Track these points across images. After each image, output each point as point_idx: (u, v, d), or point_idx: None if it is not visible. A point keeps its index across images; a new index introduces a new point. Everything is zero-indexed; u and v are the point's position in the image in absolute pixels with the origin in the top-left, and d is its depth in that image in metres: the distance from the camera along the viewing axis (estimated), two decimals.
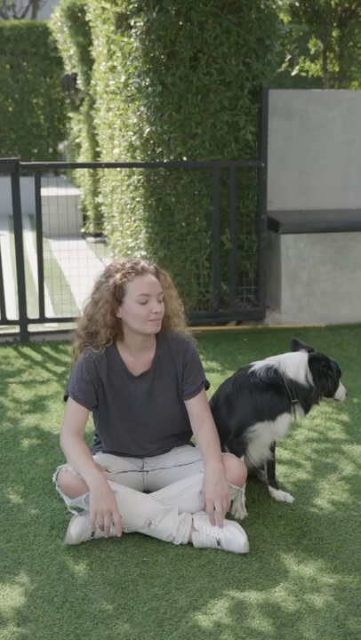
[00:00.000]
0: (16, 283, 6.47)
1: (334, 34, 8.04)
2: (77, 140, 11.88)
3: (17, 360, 6.03)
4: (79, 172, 11.64)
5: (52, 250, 10.33)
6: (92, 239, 11.06)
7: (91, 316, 3.62)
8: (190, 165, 6.44)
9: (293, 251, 6.84)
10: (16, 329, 6.51)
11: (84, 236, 11.40)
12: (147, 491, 3.79)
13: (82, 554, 3.48)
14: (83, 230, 11.42)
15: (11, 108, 14.54)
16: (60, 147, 14.67)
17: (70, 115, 12.63)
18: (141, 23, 6.35)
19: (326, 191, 7.51)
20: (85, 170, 10.92)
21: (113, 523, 3.38)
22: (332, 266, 6.91)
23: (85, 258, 8.08)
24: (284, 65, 8.51)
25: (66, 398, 3.71)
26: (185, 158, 6.46)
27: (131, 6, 6.54)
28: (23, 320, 6.46)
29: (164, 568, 3.37)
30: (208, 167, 6.44)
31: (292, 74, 8.18)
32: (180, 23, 6.23)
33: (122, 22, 6.96)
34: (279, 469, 4.24)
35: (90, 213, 11.07)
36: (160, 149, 6.51)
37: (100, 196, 9.39)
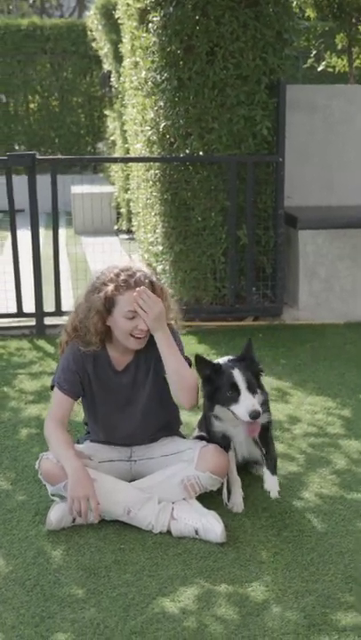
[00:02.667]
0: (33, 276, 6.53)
1: None
2: (112, 138, 11.95)
3: (30, 352, 6.09)
4: (114, 168, 11.70)
5: (84, 246, 10.43)
6: (124, 236, 11.11)
7: (81, 320, 3.64)
8: (207, 160, 6.44)
9: (312, 247, 6.79)
10: (32, 321, 6.58)
11: (117, 233, 11.45)
12: (134, 480, 3.80)
13: (61, 539, 3.51)
14: (116, 227, 11.47)
15: (55, 107, 14.66)
16: (99, 145, 14.76)
17: (107, 112, 12.71)
18: (158, 18, 6.36)
19: (349, 187, 7.44)
20: (119, 167, 10.96)
21: (91, 509, 3.41)
22: (350, 262, 6.85)
23: (112, 252, 8.16)
24: (309, 60, 8.46)
25: (52, 388, 3.75)
26: (201, 153, 6.46)
27: (149, 1, 6.56)
28: (39, 313, 6.53)
29: (139, 555, 3.39)
30: (225, 162, 6.43)
31: (319, 69, 8.13)
32: (197, 17, 6.24)
33: (143, 18, 6.99)
34: None
35: (123, 210, 11.12)
36: (176, 144, 6.51)
37: (129, 192, 9.43)
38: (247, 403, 3.51)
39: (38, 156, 6.49)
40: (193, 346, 6.21)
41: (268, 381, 5.37)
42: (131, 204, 9.25)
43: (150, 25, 6.53)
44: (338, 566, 3.30)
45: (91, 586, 3.18)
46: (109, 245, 8.69)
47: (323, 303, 6.90)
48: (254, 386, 3.61)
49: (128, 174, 9.56)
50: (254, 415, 3.49)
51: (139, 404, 3.76)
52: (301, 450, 4.41)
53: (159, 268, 7.44)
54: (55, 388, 3.70)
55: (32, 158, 6.34)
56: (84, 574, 3.25)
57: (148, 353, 3.66)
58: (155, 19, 6.42)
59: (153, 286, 3.62)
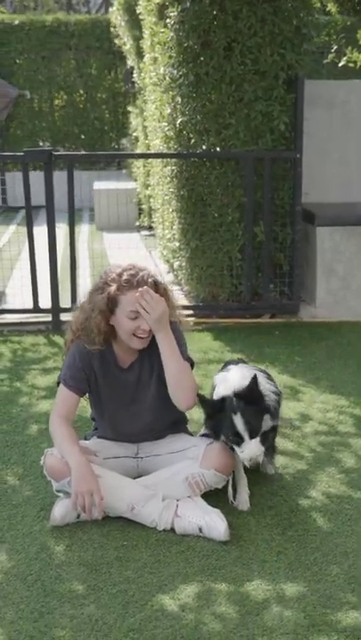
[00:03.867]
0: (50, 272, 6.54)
1: None
2: (135, 134, 11.94)
3: (45, 348, 6.10)
4: (136, 165, 11.70)
5: (105, 242, 10.44)
6: (145, 232, 11.10)
7: (85, 319, 3.64)
8: (223, 156, 6.41)
9: (329, 243, 6.74)
10: (49, 317, 6.59)
11: (138, 229, 11.45)
12: (140, 477, 3.78)
13: (64, 535, 3.51)
14: (137, 223, 11.47)
15: (79, 103, 14.68)
16: (123, 141, 14.75)
17: (129, 109, 12.71)
18: (176, 13, 6.34)
19: None
20: (140, 163, 10.96)
21: (95, 504, 3.41)
22: None
23: (135, 248, 8.16)
24: (330, 56, 8.37)
25: (59, 384, 3.74)
26: (218, 149, 6.43)
27: None
28: (55, 309, 6.54)
29: (141, 552, 3.38)
30: (241, 158, 6.39)
31: (340, 65, 8.04)
32: (215, 12, 6.20)
33: (162, 13, 6.97)
34: (280, 460, 4.20)
35: (144, 207, 11.11)
36: (193, 140, 6.49)
37: (149, 188, 9.43)
38: (247, 453, 3.47)
39: (55, 153, 6.47)
40: (208, 343, 6.19)
41: (282, 379, 5.36)
42: (151, 200, 9.25)
43: (168, 20, 6.51)
44: (341, 566, 3.26)
45: (91, 582, 3.17)
46: (130, 242, 8.69)
47: (340, 301, 6.85)
48: (257, 429, 3.52)
49: (149, 170, 9.55)
50: (253, 464, 3.50)
51: (145, 402, 3.75)
52: (311, 448, 4.37)
53: (176, 264, 7.44)
54: (61, 385, 3.70)
55: (49, 154, 6.34)
56: (86, 570, 3.25)
57: (152, 352, 3.64)
58: (172, 14, 6.40)
59: (156, 286, 3.60)
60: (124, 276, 3.53)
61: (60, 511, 3.56)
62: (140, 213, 11.51)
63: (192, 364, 3.72)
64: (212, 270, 6.65)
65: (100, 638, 2.84)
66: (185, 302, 7.07)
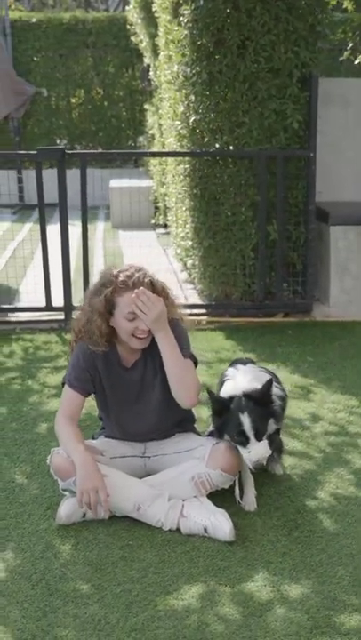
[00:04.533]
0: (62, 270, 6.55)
1: None
2: (151, 132, 11.94)
3: (57, 346, 6.11)
4: (152, 162, 11.69)
5: (120, 240, 10.45)
6: (161, 230, 11.10)
7: (87, 320, 3.64)
8: (236, 154, 6.39)
9: (343, 242, 6.71)
10: (61, 315, 6.60)
11: (154, 227, 11.44)
12: (149, 476, 3.78)
13: (70, 534, 3.52)
14: (153, 221, 11.47)
15: (96, 101, 14.69)
16: (140, 139, 14.75)
17: (146, 106, 12.71)
18: (189, 11, 6.33)
19: None
20: (156, 161, 10.95)
21: (100, 502, 3.41)
22: None
23: (150, 247, 8.16)
24: (346, 54, 8.35)
25: (64, 385, 3.75)
26: (231, 147, 6.41)
27: None
28: (68, 307, 6.55)
29: (147, 552, 3.38)
30: (255, 156, 6.37)
31: (356, 62, 8.00)
32: (228, 10, 6.18)
33: (176, 11, 6.96)
34: (288, 460, 4.18)
35: (160, 204, 11.10)
36: (207, 138, 6.47)
37: (164, 186, 9.42)
38: (252, 454, 3.46)
39: (68, 151, 6.48)
40: (220, 342, 6.18)
41: (293, 379, 5.35)
42: (166, 198, 9.24)
43: (181, 18, 6.50)
44: (347, 568, 3.25)
45: (96, 581, 3.17)
46: (145, 240, 8.69)
47: (354, 300, 6.81)
48: (263, 431, 3.52)
49: (164, 168, 9.55)
50: (257, 466, 3.49)
51: (150, 401, 3.75)
52: (320, 449, 4.35)
53: (189, 262, 7.44)
54: (66, 385, 3.71)
55: (61, 152, 6.35)
56: (90, 570, 3.25)
57: (156, 351, 3.64)
58: (186, 12, 6.38)
59: (153, 286, 3.59)
60: (120, 278, 3.53)
61: (66, 510, 3.57)
62: (155, 211, 11.51)
63: (195, 362, 3.71)
64: (224, 269, 6.64)
65: (103, 638, 2.84)
66: (198, 301, 7.07)
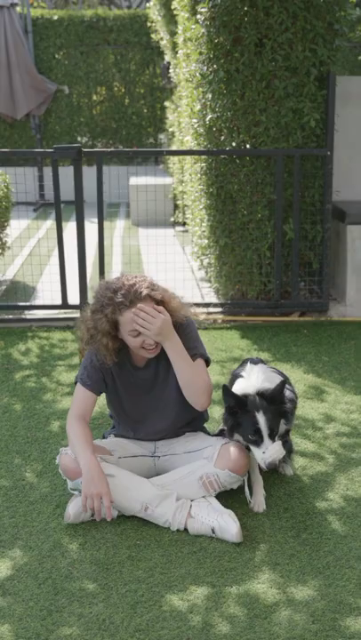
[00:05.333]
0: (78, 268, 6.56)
1: None
2: (171, 129, 11.92)
3: (72, 344, 6.12)
4: (172, 160, 11.68)
5: (140, 237, 10.44)
6: (180, 228, 11.08)
7: (91, 336, 3.62)
8: (253, 153, 6.36)
9: (360, 241, 6.66)
10: (77, 313, 6.60)
11: (173, 225, 11.43)
12: (159, 475, 3.78)
13: (78, 533, 3.53)
14: (172, 219, 11.46)
15: (117, 98, 14.69)
16: (161, 136, 14.74)
17: (166, 104, 12.69)
18: (206, 9, 6.31)
19: None
20: (176, 159, 10.94)
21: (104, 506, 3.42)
22: None
23: (168, 245, 8.14)
24: None
25: (76, 383, 3.76)
26: (248, 146, 6.39)
27: None
28: (83, 305, 6.53)
29: (154, 552, 3.38)
30: (272, 155, 6.35)
31: None
32: (245, 8, 6.15)
33: (194, 9, 6.94)
34: (300, 461, 4.17)
35: (180, 202, 11.09)
36: (223, 137, 6.46)
37: (183, 184, 9.41)
38: (267, 454, 3.45)
39: (84, 149, 6.49)
40: (235, 341, 6.17)
41: (307, 379, 5.33)
42: (184, 196, 9.23)
43: (199, 16, 6.48)
44: (354, 571, 3.23)
45: (102, 581, 3.18)
46: (165, 238, 8.66)
47: None
48: (276, 431, 3.53)
49: (183, 166, 9.54)
50: (271, 467, 3.47)
51: (162, 400, 3.75)
52: (332, 450, 4.33)
53: (205, 261, 7.42)
54: (78, 384, 3.72)
55: (78, 151, 6.35)
56: (97, 569, 3.25)
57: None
58: (203, 10, 6.36)
59: (151, 297, 3.56)
60: (118, 298, 3.50)
61: (75, 509, 3.58)
62: (175, 209, 11.49)
63: (207, 361, 3.70)
64: (241, 268, 6.62)
65: (107, 638, 2.85)
66: (214, 300, 7.06)
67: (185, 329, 3.65)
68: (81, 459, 3.48)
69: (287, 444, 3.97)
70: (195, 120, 6.85)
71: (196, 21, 6.69)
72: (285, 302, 6.67)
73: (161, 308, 3.54)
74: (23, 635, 2.87)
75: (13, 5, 13.53)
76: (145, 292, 3.53)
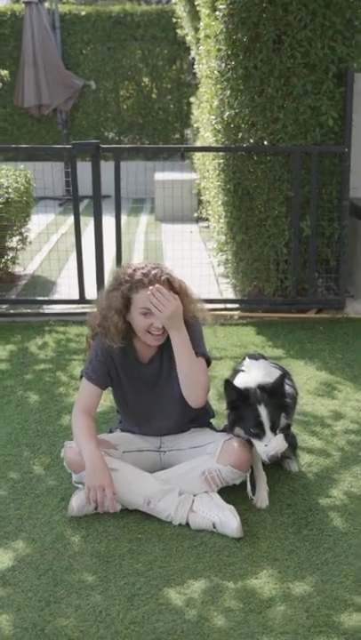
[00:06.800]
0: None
1: None
2: (196, 125, 11.93)
3: None
4: (196, 156, 11.70)
5: (162, 233, 10.48)
6: (203, 224, 11.10)
7: (104, 317, 3.68)
8: (271, 150, 6.37)
9: None
10: (94, 308, 6.64)
11: (197, 220, 11.45)
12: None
13: (81, 526, 3.57)
14: (195, 215, 11.47)
15: (144, 94, 14.72)
16: (187, 132, 14.76)
17: (192, 100, 12.71)
18: (225, 5, 6.32)
19: None
20: (200, 154, 10.95)
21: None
22: None
23: (191, 240, 8.16)
24: None
25: (81, 378, 3.80)
26: (266, 143, 6.39)
27: None
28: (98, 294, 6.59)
29: (154, 546, 3.42)
30: (289, 152, 6.35)
31: None
32: (264, 5, 6.15)
33: (214, 5, 6.95)
34: (305, 458, 4.18)
35: (203, 198, 11.10)
36: (241, 133, 6.47)
37: (205, 180, 9.43)
38: (269, 447, 3.49)
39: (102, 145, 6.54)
40: (250, 337, 6.18)
41: (319, 376, 5.35)
42: (206, 192, 9.26)
43: (218, 12, 6.49)
44: (352, 568, 3.25)
45: (101, 573, 3.22)
46: (187, 233, 8.70)
47: None
48: (278, 425, 3.56)
49: (205, 162, 9.55)
50: (273, 459, 3.51)
51: (166, 396, 3.78)
52: (339, 447, 4.34)
53: (222, 257, 7.44)
54: (83, 378, 3.76)
55: (96, 147, 6.40)
56: (97, 561, 3.30)
57: (172, 347, 3.67)
58: (222, 6, 6.37)
59: (170, 283, 3.62)
60: (137, 275, 3.57)
61: (78, 502, 3.63)
62: (199, 204, 11.51)
63: (208, 362, 3.73)
64: (258, 264, 6.63)
65: (103, 629, 2.89)
66: (232, 296, 7.08)
67: (191, 326, 3.69)
68: (84, 451, 3.53)
69: (291, 439, 4.00)
70: (213, 116, 6.87)
71: (216, 18, 6.70)
72: (302, 299, 6.67)
73: (176, 295, 3.58)
74: (20, 625, 2.92)
75: (42, 1, 13.62)
76: (164, 276, 3.60)
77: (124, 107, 14.85)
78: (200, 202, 11.43)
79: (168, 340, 3.69)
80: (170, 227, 10.59)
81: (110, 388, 3.92)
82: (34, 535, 3.51)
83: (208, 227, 10.33)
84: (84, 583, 3.16)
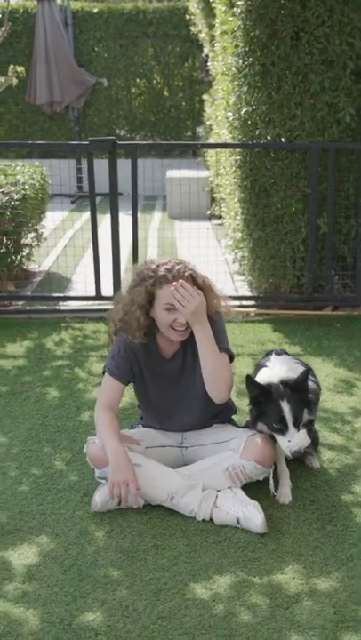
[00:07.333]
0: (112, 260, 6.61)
1: None
2: (209, 123, 11.93)
3: (105, 335, 6.11)
4: (210, 153, 11.69)
5: (176, 230, 10.48)
6: (216, 221, 11.09)
7: (126, 312, 3.69)
8: (288, 147, 6.36)
9: None
10: (110, 305, 6.64)
11: (210, 217, 11.45)
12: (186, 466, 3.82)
13: (105, 521, 3.57)
14: (208, 212, 11.47)
15: (156, 91, 14.72)
16: (199, 129, 14.75)
17: (204, 97, 12.70)
18: (243, 2, 6.30)
19: None
20: (213, 151, 10.95)
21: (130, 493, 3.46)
22: None
23: (205, 238, 8.16)
24: None
25: (104, 373, 3.80)
26: (283, 139, 6.38)
27: None
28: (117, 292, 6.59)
29: (178, 541, 3.42)
30: (306, 149, 6.34)
31: None
32: (282, 1, 6.14)
33: (231, 2, 6.94)
34: (327, 454, 4.18)
35: (217, 195, 11.10)
36: (258, 130, 6.46)
37: (219, 177, 9.43)
38: (292, 442, 3.49)
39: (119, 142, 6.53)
40: (267, 334, 6.18)
41: (338, 372, 5.33)
42: (220, 189, 9.25)
43: (235, 9, 6.48)
44: None
45: (126, 568, 3.22)
46: (200, 231, 8.69)
47: None
48: (300, 420, 3.56)
49: (219, 159, 9.54)
50: (296, 456, 3.51)
51: (188, 393, 3.78)
52: (360, 443, 4.33)
53: (239, 254, 7.44)
54: (106, 374, 3.76)
55: (113, 143, 6.40)
56: (122, 557, 3.30)
57: (195, 342, 3.67)
58: (240, 2, 6.36)
59: (194, 279, 3.62)
60: (161, 271, 3.57)
61: (101, 498, 3.63)
62: (212, 202, 11.50)
63: (231, 357, 3.73)
64: (274, 261, 6.62)
65: (130, 624, 2.89)
66: (247, 293, 7.07)
67: (215, 322, 3.68)
68: (108, 447, 3.53)
69: (313, 436, 3.99)
70: (230, 113, 6.86)
71: (233, 14, 6.69)
72: (318, 296, 6.66)
73: (200, 291, 3.58)
74: (47, 619, 2.92)
75: None
76: (188, 272, 3.60)
77: (136, 104, 14.85)
78: (213, 199, 11.43)
79: (191, 335, 3.69)
80: (184, 224, 10.58)
81: (131, 385, 3.92)
82: (57, 530, 3.51)
83: (222, 224, 10.33)
84: (109, 578, 3.16)
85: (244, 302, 6.74)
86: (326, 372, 5.33)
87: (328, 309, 6.75)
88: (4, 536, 3.46)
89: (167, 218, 11.58)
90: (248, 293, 7.06)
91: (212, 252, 8.26)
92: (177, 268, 3.59)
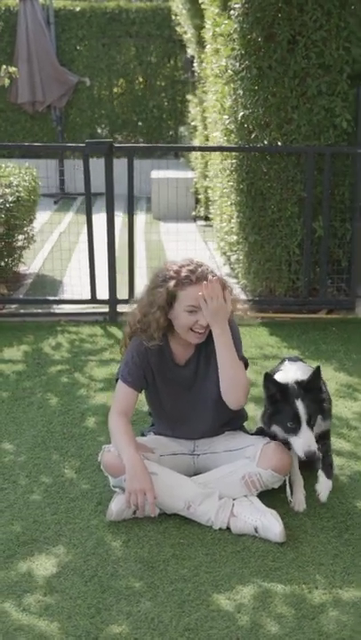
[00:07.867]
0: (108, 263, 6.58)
1: None
2: (193, 123, 11.91)
3: (102, 339, 6.14)
4: (194, 154, 11.68)
5: (161, 232, 10.45)
6: (201, 222, 11.09)
7: (145, 314, 3.66)
8: (284, 150, 6.36)
9: None
10: (106, 308, 6.63)
11: (194, 219, 11.43)
12: (197, 474, 3.80)
13: (121, 530, 3.54)
14: (193, 213, 11.46)
15: (138, 91, 14.69)
16: (181, 129, 14.74)
17: (189, 97, 12.68)
18: (240, 5, 6.29)
19: None
20: (198, 153, 10.93)
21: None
22: None
23: (192, 241, 8.14)
24: None
25: (117, 380, 3.78)
26: (279, 143, 6.38)
27: None
28: (112, 300, 6.57)
29: (197, 551, 3.40)
30: (302, 152, 6.34)
31: None
32: (279, 5, 6.13)
33: (225, 4, 6.93)
34: (336, 461, 4.17)
35: (201, 197, 11.09)
36: (254, 134, 6.45)
37: (207, 179, 9.41)
38: (305, 441, 3.49)
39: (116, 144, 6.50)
40: (264, 338, 6.17)
41: (338, 377, 5.33)
42: (209, 191, 9.23)
43: (232, 12, 6.47)
44: None
45: (148, 579, 3.20)
46: (187, 234, 8.67)
47: None
48: (314, 420, 3.57)
49: (207, 161, 9.53)
50: (309, 455, 3.49)
51: (201, 399, 3.77)
52: None
53: (233, 257, 7.43)
54: (119, 381, 3.73)
55: (109, 146, 6.37)
56: (142, 567, 3.27)
57: (209, 349, 3.66)
58: (236, 5, 6.35)
59: (222, 283, 3.62)
60: (183, 272, 3.56)
61: (117, 506, 3.59)
62: (196, 203, 11.49)
63: (246, 364, 3.72)
64: (269, 265, 6.62)
65: (157, 637, 2.87)
66: (242, 296, 7.06)
67: (231, 328, 3.67)
68: (124, 455, 3.50)
69: (325, 447, 3.91)
70: (225, 116, 6.84)
71: (228, 17, 6.68)
72: (313, 300, 6.67)
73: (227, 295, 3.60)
74: (73, 632, 2.89)
75: None
76: (211, 274, 3.59)
77: (118, 104, 14.79)
78: (197, 200, 11.42)
79: (206, 343, 3.67)
80: (170, 225, 10.55)
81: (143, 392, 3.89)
82: (74, 540, 3.47)
83: (209, 226, 10.32)
84: (131, 589, 3.14)
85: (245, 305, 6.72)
86: (327, 377, 5.29)
87: (322, 313, 6.77)
88: (21, 547, 3.42)
89: (152, 219, 11.53)
90: (242, 296, 7.04)
91: (202, 255, 8.23)
92: (200, 269, 3.58)
